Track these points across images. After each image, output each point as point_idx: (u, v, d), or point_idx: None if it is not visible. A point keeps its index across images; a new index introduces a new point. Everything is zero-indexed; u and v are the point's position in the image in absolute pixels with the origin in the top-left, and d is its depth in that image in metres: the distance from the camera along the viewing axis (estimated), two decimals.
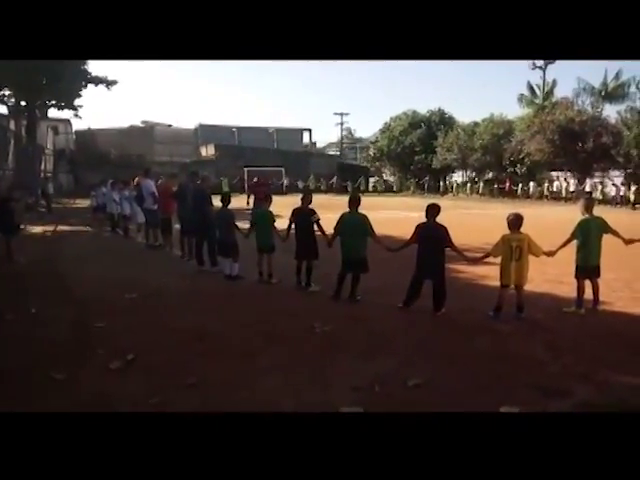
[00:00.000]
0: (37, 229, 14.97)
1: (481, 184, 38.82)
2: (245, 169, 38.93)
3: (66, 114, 29.41)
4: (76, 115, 27.43)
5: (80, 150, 42.66)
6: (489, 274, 6.55)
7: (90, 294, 6.85)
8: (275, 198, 8.24)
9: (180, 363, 4.31)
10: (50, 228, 15.36)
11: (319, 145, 65.13)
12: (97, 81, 25.81)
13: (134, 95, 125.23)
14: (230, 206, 8.01)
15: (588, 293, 5.89)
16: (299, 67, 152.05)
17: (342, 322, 5.51)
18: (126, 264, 9.27)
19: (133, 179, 13.45)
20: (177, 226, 10.09)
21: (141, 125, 52.63)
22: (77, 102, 26.53)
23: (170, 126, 53.96)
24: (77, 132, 45.56)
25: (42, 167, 30.56)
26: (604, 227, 5.88)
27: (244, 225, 7.96)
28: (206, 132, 49.66)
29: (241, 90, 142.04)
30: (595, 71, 61.50)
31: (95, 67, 49.86)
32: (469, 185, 40.33)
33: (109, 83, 26.18)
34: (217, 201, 8.30)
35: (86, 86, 25.76)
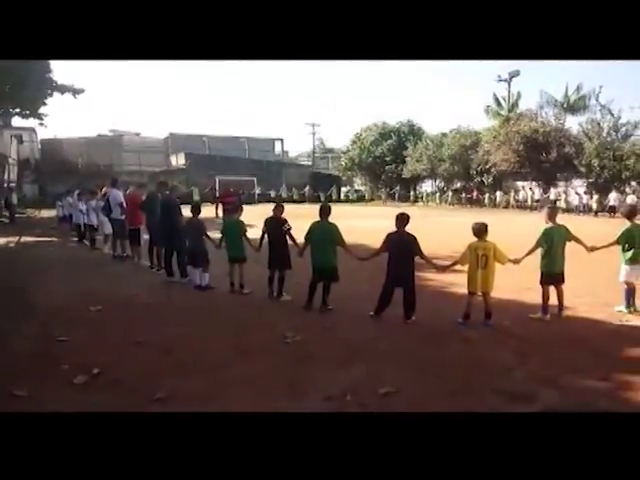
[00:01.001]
0: (0, 240, 14.49)
1: (450, 193, 39.61)
2: (216, 178, 38.68)
3: (31, 123, 28.72)
4: (41, 124, 26.81)
5: (45, 159, 41.75)
6: (458, 281, 6.66)
7: (54, 307, 6.65)
8: (247, 208, 8.22)
9: (148, 377, 4.21)
10: (13, 239, 14.89)
11: (291, 155, 65.36)
12: (63, 89, 25.26)
13: (102, 104, 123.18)
14: (201, 216, 7.94)
15: (553, 299, 6.05)
16: (271, 76, 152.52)
17: (314, 332, 5.50)
18: (92, 276, 9.04)
19: (100, 189, 13.21)
20: (146, 236, 9.93)
21: (109, 134, 51.79)
22: (42, 110, 25.91)
23: (139, 135, 53.27)
24: (42, 141, 44.56)
25: (5, 177, 29.66)
26: (567, 235, 6.07)
27: (215, 235, 7.88)
28: (176, 141, 49.19)
29: (213, 99, 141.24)
30: (557, 84, 63.74)
31: (61, 75, 48.79)
32: (438, 194, 41.16)
33: (75, 91, 25.66)
34: (187, 211, 8.20)
35: (52, 94, 25.18)
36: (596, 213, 26.32)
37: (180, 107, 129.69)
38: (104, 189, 12.17)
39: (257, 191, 40.22)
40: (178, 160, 45.15)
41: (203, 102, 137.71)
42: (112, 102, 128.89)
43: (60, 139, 45.27)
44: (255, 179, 41.03)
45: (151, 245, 9.43)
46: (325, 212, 6.45)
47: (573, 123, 33.71)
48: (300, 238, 6.65)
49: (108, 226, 11.47)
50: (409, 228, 5.97)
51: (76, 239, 14.00)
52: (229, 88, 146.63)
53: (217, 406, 3.58)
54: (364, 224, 17.19)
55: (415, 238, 5.87)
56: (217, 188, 37.25)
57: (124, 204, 10.53)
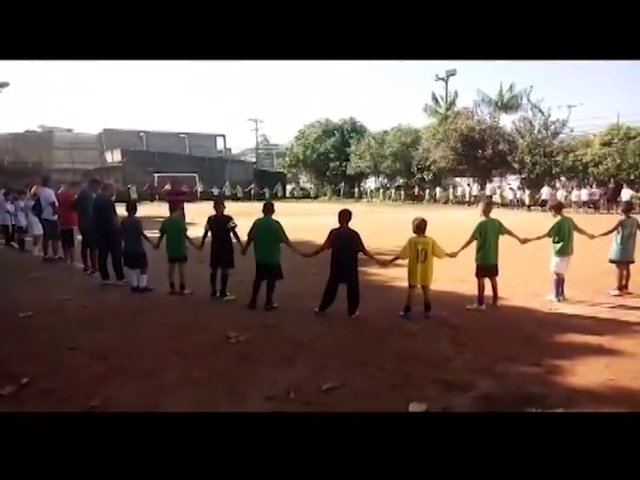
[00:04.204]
0: None
1: (393, 190, 40.45)
2: (155, 175, 37.59)
3: None
4: None
5: None
6: (400, 275, 6.80)
7: None
8: (189, 206, 7.98)
9: (81, 385, 4.01)
10: None
11: (234, 151, 64.42)
12: None
13: (30, 98, 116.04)
14: (138, 214, 7.64)
15: (488, 290, 6.30)
16: (212, 71, 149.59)
17: (258, 331, 5.44)
18: (22, 280, 8.50)
19: (30, 188, 12.47)
20: (79, 237, 9.46)
21: (38, 130, 49.03)
22: None
23: (71, 131, 50.77)
24: None
25: None
26: (500, 228, 6.34)
27: (153, 234, 7.61)
28: (111, 137, 47.21)
29: (150, 94, 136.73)
30: (492, 83, 66.55)
31: None
32: (382, 191, 41.90)
33: None
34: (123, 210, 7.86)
35: None
36: (529, 207, 27.74)
37: (115, 102, 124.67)
38: (34, 188, 11.50)
39: (199, 188, 39.34)
40: (114, 157, 43.32)
41: (140, 97, 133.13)
42: (41, 97, 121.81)
43: None
44: (196, 176, 40.12)
45: (84, 246, 9.00)
46: (268, 209, 6.39)
47: (507, 121, 35.21)
48: (244, 236, 6.55)
49: (38, 227, 10.86)
50: (354, 224, 6.02)
51: (3, 242, 13.16)
52: (168, 83, 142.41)
53: (154, 411, 3.46)
54: (309, 221, 17.22)
55: (358, 234, 5.93)
56: (156, 185, 36.27)
57: (56, 203, 10.00)
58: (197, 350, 4.86)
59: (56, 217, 10.03)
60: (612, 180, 25.94)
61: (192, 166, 41.67)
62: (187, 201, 10.13)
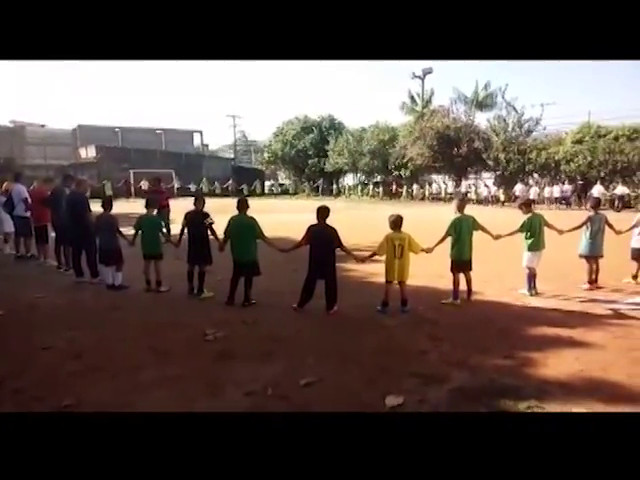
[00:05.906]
0: None
1: (371, 187, 40.66)
2: (131, 171, 37.10)
3: None
4: None
5: None
6: (377, 271, 6.86)
7: None
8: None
9: (54, 385, 3.95)
10: None
11: (212, 148, 63.85)
12: None
13: (1, 93, 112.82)
14: (114, 211, 7.51)
15: (463, 285, 6.41)
16: (189, 67, 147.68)
17: (236, 327, 5.43)
18: None
19: (1, 184, 12.16)
20: (53, 234, 9.28)
21: (9, 125, 47.80)
22: None
23: (44, 126, 49.65)
24: None
25: None
26: (474, 224, 6.45)
27: (128, 231, 7.50)
28: (85, 133, 46.40)
29: (126, 89, 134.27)
30: (468, 80, 67.32)
31: None
32: (360, 187, 42.06)
33: None
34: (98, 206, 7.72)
35: None
36: (503, 203, 28.24)
37: (90, 98, 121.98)
38: (5, 184, 11.22)
39: (176, 185, 38.85)
40: (88, 153, 42.52)
41: (116, 93, 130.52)
42: (13, 91, 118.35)
43: None
44: (173, 172, 39.63)
45: (58, 243, 8.82)
46: (242, 206, 6.37)
47: (482, 119, 35.70)
48: (222, 233, 6.51)
49: (9, 224, 10.58)
50: (332, 220, 6.05)
51: None
52: (145, 78, 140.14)
53: (128, 410, 3.43)
54: (288, 218, 17.20)
55: (335, 230, 5.96)
56: (132, 182, 35.79)
57: (29, 200, 9.78)
58: (174, 348, 4.82)
59: (29, 214, 9.83)
60: (580, 177, 26.58)
61: (169, 162, 41.22)
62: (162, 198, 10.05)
